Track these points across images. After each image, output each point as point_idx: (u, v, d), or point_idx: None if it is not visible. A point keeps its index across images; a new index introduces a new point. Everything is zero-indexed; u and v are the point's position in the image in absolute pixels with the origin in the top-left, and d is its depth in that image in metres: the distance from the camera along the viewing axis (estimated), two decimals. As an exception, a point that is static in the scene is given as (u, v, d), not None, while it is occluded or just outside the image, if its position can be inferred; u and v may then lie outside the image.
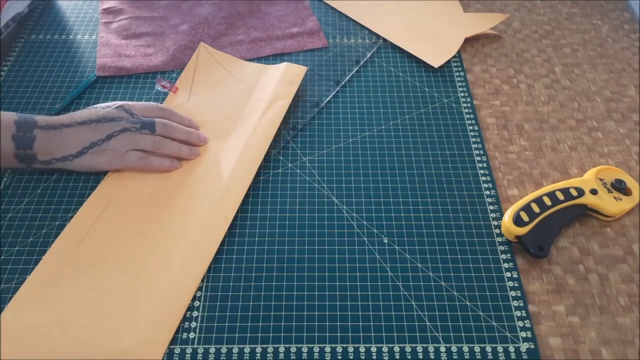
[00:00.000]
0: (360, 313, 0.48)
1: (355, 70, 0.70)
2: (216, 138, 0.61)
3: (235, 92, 0.66)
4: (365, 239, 0.53)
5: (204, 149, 0.60)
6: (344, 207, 0.56)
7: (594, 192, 0.54)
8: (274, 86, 0.65)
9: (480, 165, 0.59)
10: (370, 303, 0.49)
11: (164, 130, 0.57)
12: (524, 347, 0.46)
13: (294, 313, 0.48)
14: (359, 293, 0.49)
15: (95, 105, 0.58)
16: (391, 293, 0.49)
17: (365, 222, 0.54)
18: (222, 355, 0.45)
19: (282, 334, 0.47)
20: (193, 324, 0.47)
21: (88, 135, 0.54)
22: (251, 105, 0.64)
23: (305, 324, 0.47)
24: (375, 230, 0.54)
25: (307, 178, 0.58)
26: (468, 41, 0.74)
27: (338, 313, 0.48)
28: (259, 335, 0.47)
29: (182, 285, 0.49)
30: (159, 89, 0.65)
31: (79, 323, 0.46)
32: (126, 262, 0.50)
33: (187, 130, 0.60)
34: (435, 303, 0.49)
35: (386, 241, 0.53)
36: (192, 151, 0.59)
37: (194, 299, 0.49)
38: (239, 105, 0.64)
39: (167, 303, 0.48)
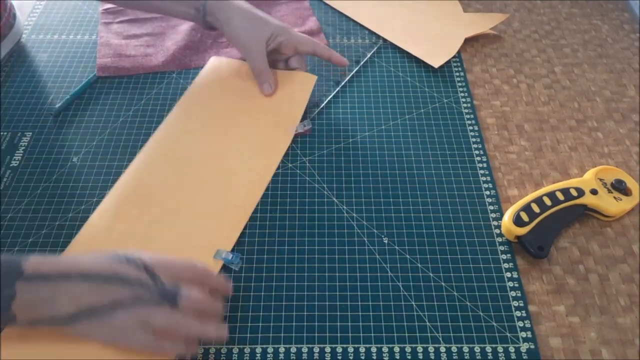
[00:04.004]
0: (360, 313, 0.48)
1: (355, 70, 0.70)
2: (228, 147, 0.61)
3: (243, 100, 0.65)
4: (365, 239, 0.53)
5: (219, 149, 0.59)
6: (344, 207, 0.55)
7: (594, 192, 0.54)
8: (285, 98, 0.65)
9: (480, 165, 0.59)
10: (370, 303, 0.49)
11: (190, 306, 0.42)
12: (524, 347, 0.46)
13: (294, 313, 0.48)
14: (359, 293, 0.49)
15: (109, 254, 0.43)
16: (391, 293, 0.49)
17: (365, 222, 0.54)
18: (222, 355, 0.45)
19: (282, 334, 0.47)
20: (193, 324, 0.47)
21: (88, 295, 0.41)
22: (259, 115, 0.63)
23: (305, 324, 0.47)
24: (375, 230, 0.54)
25: (307, 178, 0.58)
26: (468, 41, 0.74)
27: (338, 313, 0.48)
28: (259, 335, 0.47)
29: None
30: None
31: None
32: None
33: (218, 311, 0.45)
34: (435, 303, 0.49)
35: (386, 241, 0.53)
36: (219, 331, 0.43)
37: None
38: (248, 111, 0.64)
39: None
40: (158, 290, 0.42)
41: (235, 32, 0.62)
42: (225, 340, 0.45)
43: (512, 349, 0.46)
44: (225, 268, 0.51)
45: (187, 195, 0.55)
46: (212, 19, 0.63)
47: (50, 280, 0.40)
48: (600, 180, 0.56)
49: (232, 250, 0.51)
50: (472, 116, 0.64)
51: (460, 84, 0.68)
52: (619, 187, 0.55)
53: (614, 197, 0.55)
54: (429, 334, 0.47)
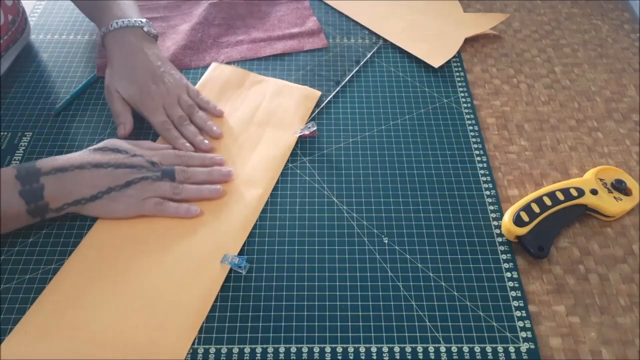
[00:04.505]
0: (360, 313, 0.48)
1: (355, 70, 0.70)
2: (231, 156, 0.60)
3: (246, 109, 0.65)
4: (365, 239, 0.53)
5: (224, 156, 0.59)
6: (344, 207, 0.56)
7: (594, 192, 0.54)
8: (289, 110, 0.65)
9: (480, 165, 0.59)
10: (370, 303, 0.49)
11: (184, 177, 0.55)
12: (524, 347, 0.46)
13: (294, 313, 0.48)
14: (359, 293, 0.49)
15: (108, 143, 0.54)
16: (391, 293, 0.49)
17: (365, 222, 0.54)
18: (223, 355, 0.45)
19: (282, 334, 0.47)
20: (193, 324, 0.47)
21: (105, 180, 0.51)
22: (263, 123, 0.63)
23: (305, 324, 0.47)
24: (375, 231, 0.54)
25: (307, 178, 0.58)
26: (468, 41, 0.74)
27: (338, 313, 0.48)
28: (259, 335, 0.47)
29: (204, 284, 0.49)
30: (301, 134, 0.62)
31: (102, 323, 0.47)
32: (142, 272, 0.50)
33: (207, 170, 0.56)
34: (435, 303, 0.49)
35: (386, 241, 0.53)
36: (213, 191, 0.55)
37: (194, 299, 0.49)
38: (251, 120, 0.64)
39: (189, 306, 0.48)
40: (159, 170, 0.54)
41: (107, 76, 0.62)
42: (217, 196, 0.55)
43: (512, 349, 0.46)
44: (229, 271, 0.51)
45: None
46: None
47: (68, 170, 0.51)
48: (600, 180, 0.56)
49: (239, 254, 0.51)
50: (472, 116, 0.64)
51: (460, 84, 0.68)
52: (619, 187, 0.55)
53: (614, 197, 0.55)
54: (429, 334, 0.47)
